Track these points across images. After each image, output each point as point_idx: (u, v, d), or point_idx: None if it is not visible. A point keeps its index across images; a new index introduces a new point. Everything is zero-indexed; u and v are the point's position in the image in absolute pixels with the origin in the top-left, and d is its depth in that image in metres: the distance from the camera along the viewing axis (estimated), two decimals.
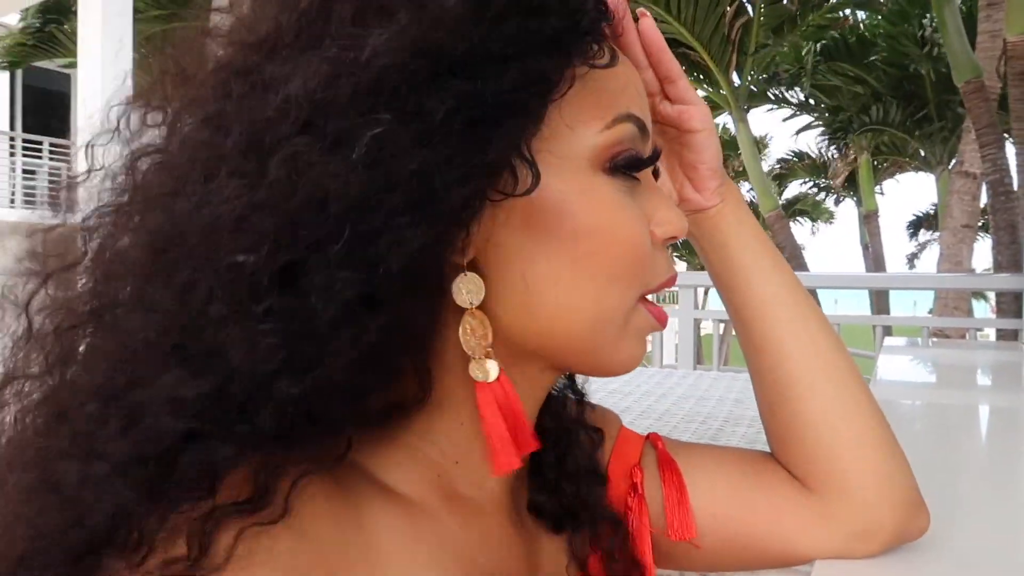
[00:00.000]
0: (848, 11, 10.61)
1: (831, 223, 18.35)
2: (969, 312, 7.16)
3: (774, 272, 0.58)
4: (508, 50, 0.39)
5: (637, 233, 0.45)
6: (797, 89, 12.55)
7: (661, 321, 0.49)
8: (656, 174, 0.52)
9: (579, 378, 0.59)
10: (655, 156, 0.48)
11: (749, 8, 9.12)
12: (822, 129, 13.35)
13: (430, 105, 0.37)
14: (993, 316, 6.82)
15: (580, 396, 0.58)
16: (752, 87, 11.15)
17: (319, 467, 0.38)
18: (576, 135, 0.43)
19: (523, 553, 0.50)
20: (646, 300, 0.48)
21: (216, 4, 0.47)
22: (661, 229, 0.48)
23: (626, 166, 0.46)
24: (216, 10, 0.45)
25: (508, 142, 0.40)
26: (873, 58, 10.99)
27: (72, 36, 9.61)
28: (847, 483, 0.55)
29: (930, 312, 8.93)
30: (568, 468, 0.55)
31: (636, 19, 0.52)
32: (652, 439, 0.59)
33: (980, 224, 9.22)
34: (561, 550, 0.54)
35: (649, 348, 0.57)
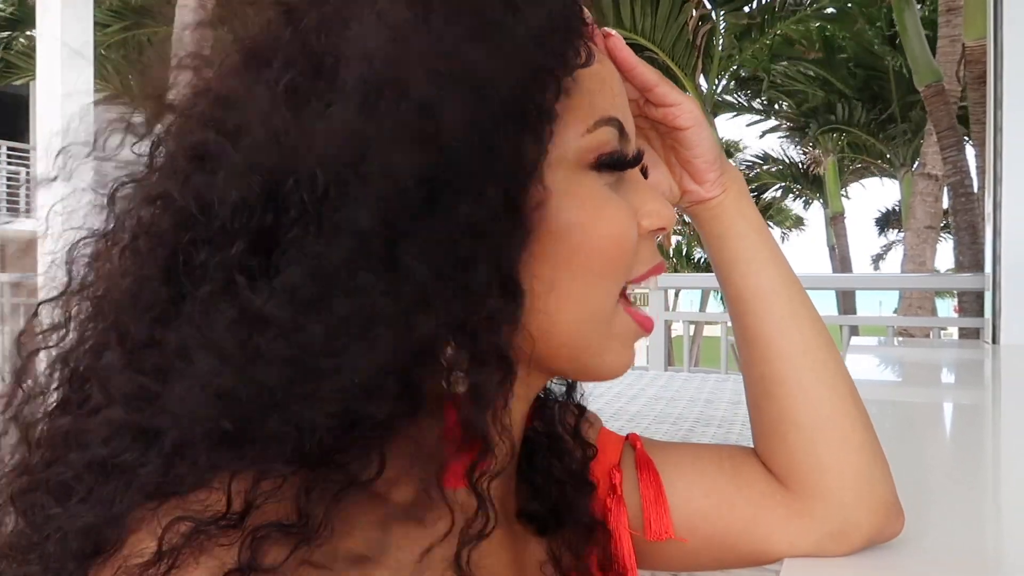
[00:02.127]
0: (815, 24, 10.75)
1: (802, 229, 18.59)
2: (933, 311, 7.30)
3: (770, 266, 0.57)
4: (520, 101, 0.40)
5: (623, 225, 0.46)
6: (763, 97, 12.72)
7: (646, 327, 0.49)
8: (645, 172, 0.52)
9: (577, 388, 0.58)
10: (637, 158, 0.48)
11: (713, 15, 9.24)
12: (786, 127, 13.54)
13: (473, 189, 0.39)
14: (956, 315, 6.96)
15: (581, 409, 0.58)
16: (721, 96, 11.28)
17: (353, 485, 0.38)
18: (560, 139, 0.44)
19: (510, 557, 0.50)
20: (629, 305, 0.49)
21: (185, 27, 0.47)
22: (648, 220, 0.48)
23: (610, 165, 0.46)
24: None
25: (535, 184, 0.41)
26: (841, 55, 11.14)
27: (23, 53, 9.45)
28: (827, 483, 0.55)
29: (895, 312, 9.09)
30: (555, 475, 0.54)
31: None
32: (631, 439, 0.59)
33: (943, 225, 9.42)
34: (545, 553, 0.53)
35: None
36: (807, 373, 0.56)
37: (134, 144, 0.44)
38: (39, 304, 0.44)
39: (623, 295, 0.48)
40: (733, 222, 0.58)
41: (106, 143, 0.44)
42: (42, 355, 0.43)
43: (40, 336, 0.44)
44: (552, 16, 0.43)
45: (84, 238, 0.44)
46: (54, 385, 0.43)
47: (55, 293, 0.44)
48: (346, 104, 0.38)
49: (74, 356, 0.42)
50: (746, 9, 9.69)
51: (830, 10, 10.21)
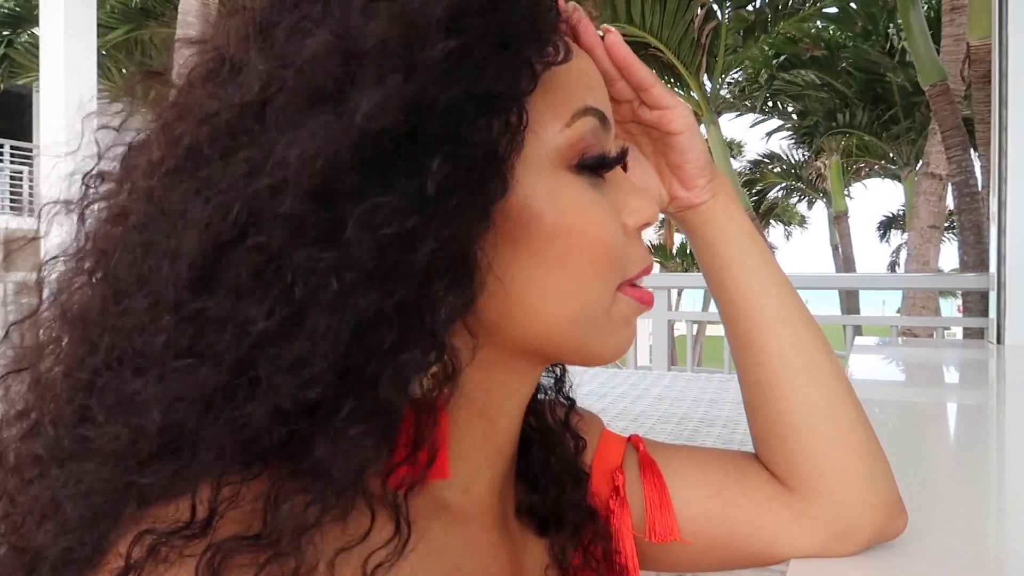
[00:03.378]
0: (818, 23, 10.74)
1: (805, 227, 18.57)
2: (937, 311, 7.28)
3: (761, 270, 0.57)
4: (486, 86, 0.39)
5: (607, 229, 0.45)
6: (767, 97, 12.72)
7: (645, 302, 0.49)
8: (624, 166, 0.52)
9: (566, 379, 0.58)
10: (621, 156, 0.48)
11: (719, 13, 9.22)
12: (790, 133, 13.56)
13: (425, 164, 0.37)
14: (960, 315, 6.95)
15: (570, 401, 0.58)
16: (727, 95, 11.26)
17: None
18: (538, 137, 0.43)
19: (508, 558, 0.50)
20: (628, 286, 0.48)
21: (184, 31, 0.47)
22: (632, 218, 0.48)
23: (592, 166, 0.46)
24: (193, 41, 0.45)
25: (498, 171, 0.40)
26: (842, 65, 11.16)
27: (27, 51, 9.46)
28: (828, 484, 0.55)
29: (899, 311, 9.07)
30: (553, 470, 0.54)
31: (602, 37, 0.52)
32: (633, 441, 0.59)
33: (947, 225, 9.41)
34: (545, 553, 0.53)
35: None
36: (802, 375, 0.56)
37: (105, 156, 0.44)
38: (10, 326, 0.44)
39: (629, 283, 0.48)
40: (723, 227, 0.58)
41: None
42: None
43: (12, 359, 0.44)
44: (523, 10, 0.42)
45: (55, 257, 0.43)
46: (26, 407, 0.42)
47: (25, 314, 0.43)
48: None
49: (45, 379, 0.42)
50: (750, 7, 9.68)
51: (832, 9, 10.20)
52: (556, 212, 0.43)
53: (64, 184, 0.44)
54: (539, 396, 0.56)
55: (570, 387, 0.58)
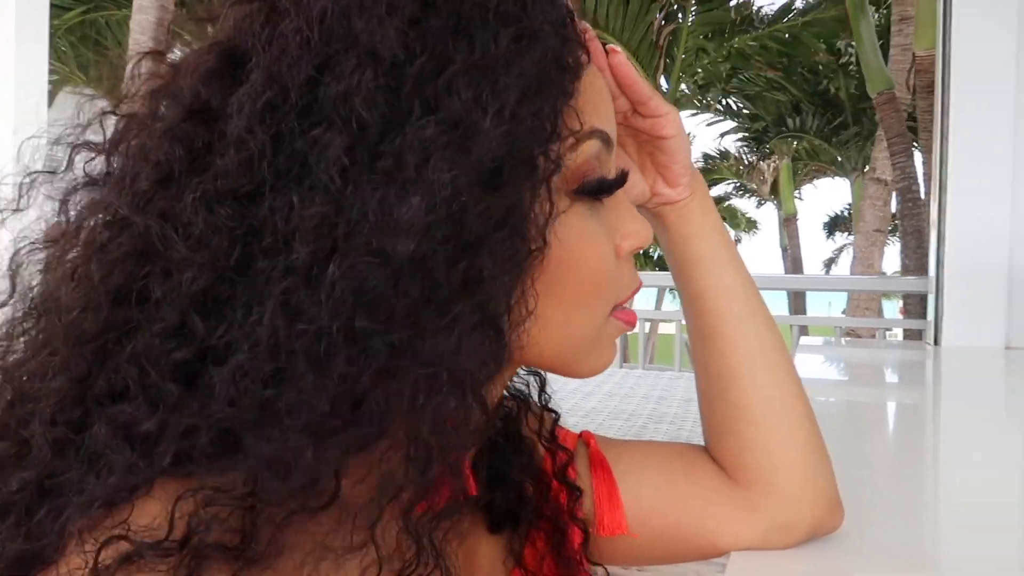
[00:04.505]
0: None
1: (754, 232, 18.82)
2: (880, 312, 7.50)
3: (730, 266, 0.59)
4: (532, 122, 0.39)
5: (601, 257, 0.45)
6: (721, 97, 12.93)
7: (630, 323, 0.49)
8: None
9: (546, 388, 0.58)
10: (621, 179, 0.47)
11: (679, 16, 9.32)
12: (744, 134, 13.81)
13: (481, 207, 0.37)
14: (901, 317, 7.16)
15: (550, 411, 0.58)
16: (685, 90, 11.39)
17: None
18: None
19: (467, 551, 0.50)
20: (618, 309, 0.48)
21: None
22: (627, 242, 0.48)
23: (593, 192, 0.45)
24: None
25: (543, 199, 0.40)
26: (796, 69, 11.40)
27: None
28: (774, 478, 0.57)
29: (843, 312, 9.31)
30: (513, 470, 0.55)
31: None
32: (584, 437, 0.60)
33: (891, 229, 9.67)
34: (498, 548, 0.54)
35: None
36: (762, 370, 0.58)
37: (78, 147, 0.41)
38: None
39: (619, 306, 0.49)
40: (699, 223, 0.59)
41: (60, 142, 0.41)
42: None
43: None
44: (556, 22, 0.42)
45: (32, 242, 0.41)
46: None
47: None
48: (335, 131, 0.36)
49: (16, 375, 0.40)
50: (715, 11, 9.83)
51: (786, 35, 10.44)
52: (555, 242, 0.42)
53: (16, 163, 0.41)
54: (511, 398, 0.56)
55: (540, 391, 0.58)
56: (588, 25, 0.49)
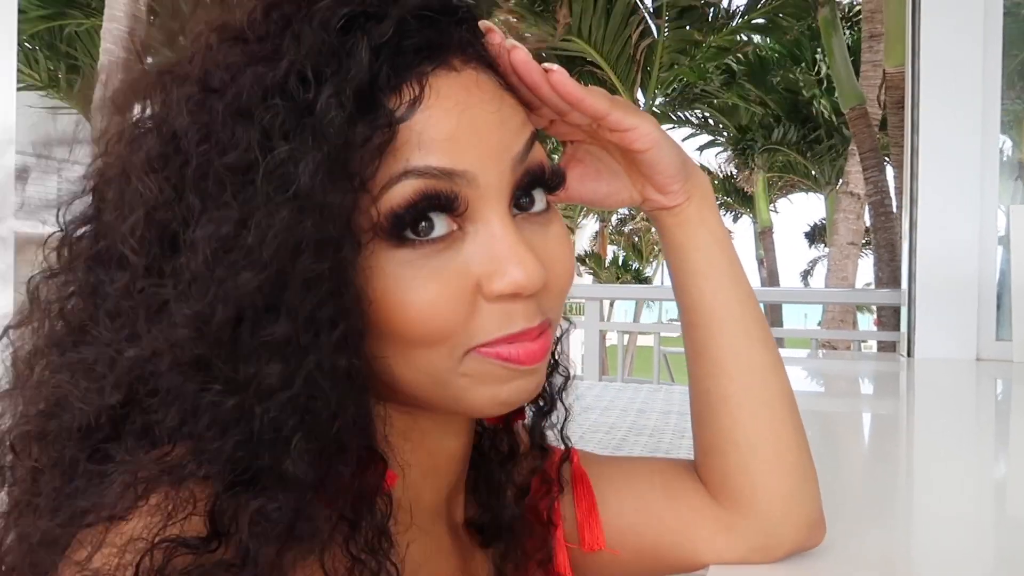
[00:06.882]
0: (747, 36, 11.12)
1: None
2: (854, 324, 7.58)
3: (726, 282, 0.56)
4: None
5: (429, 301, 0.42)
6: (699, 111, 13.04)
7: (515, 361, 0.44)
8: (561, 181, 0.49)
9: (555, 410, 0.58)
10: (421, 214, 0.42)
11: (654, 30, 9.41)
12: (722, 148, 13.93)
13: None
14: (875, 328, 7.24)
15: (541, 432, 0.58)
16: (655, 108, 11.50)
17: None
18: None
19: (460, 564, 0.51)
20: (486, 347, 0.44)
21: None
22: (491, 285, 0.43)
23: (398, 234, 0.42)
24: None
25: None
26: (774, 80, 11.54)
27: None
28: (756, 502, 0.56)
29: (819, 324, 9.39)
30: (499, 489, 0.55)
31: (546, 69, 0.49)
32: (569, 453, 0.59)
33: (864, 242, 9.81)
34: (489, 563, 0.55)
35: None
36: (749, 393, 0.56)
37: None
38: (6, 328, 0.45)
39: (489, 344, 0.44)
40: (694, 232, 0.56)
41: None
42: None
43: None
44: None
45: (43, 273, 0.45)
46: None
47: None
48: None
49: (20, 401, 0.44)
50: (688, 27, 9.95)
51: (760, 20, 10.56)
52: (371, 291, 0.42)
53: None
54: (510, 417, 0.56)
55: (561, 425, 0.58)
56: (491, 24, 0.47)
